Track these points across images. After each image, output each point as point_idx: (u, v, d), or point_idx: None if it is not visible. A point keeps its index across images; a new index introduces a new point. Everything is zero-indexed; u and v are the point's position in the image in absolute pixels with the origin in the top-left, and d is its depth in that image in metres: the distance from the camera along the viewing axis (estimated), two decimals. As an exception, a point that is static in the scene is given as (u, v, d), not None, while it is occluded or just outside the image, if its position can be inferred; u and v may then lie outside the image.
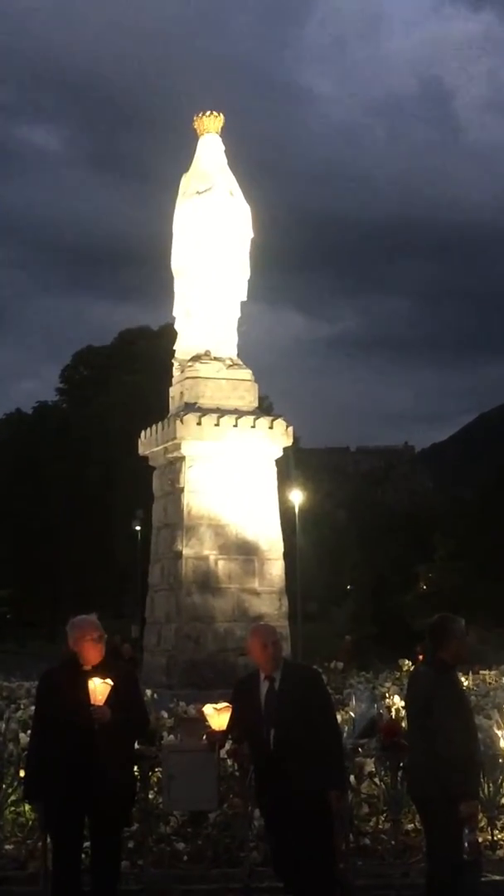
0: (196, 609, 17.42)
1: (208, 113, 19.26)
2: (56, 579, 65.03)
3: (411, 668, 17.83)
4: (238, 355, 18.95)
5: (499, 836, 10.19)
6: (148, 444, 19.22)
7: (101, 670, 7.79)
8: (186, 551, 17.59)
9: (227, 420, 17.91)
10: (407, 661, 20.17)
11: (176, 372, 19.15)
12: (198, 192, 18.76)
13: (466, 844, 7.20)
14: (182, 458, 17.97)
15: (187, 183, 19.07)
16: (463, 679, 8.61)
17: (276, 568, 18.11)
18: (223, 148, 19.27)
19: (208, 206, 18.58)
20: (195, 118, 19.31)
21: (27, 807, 9.68)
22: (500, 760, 10.29)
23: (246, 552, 17.85)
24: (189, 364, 18.61)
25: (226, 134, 19.43)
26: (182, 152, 20.25)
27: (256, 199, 19.63)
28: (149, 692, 14.53)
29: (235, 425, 17.93)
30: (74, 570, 62.98)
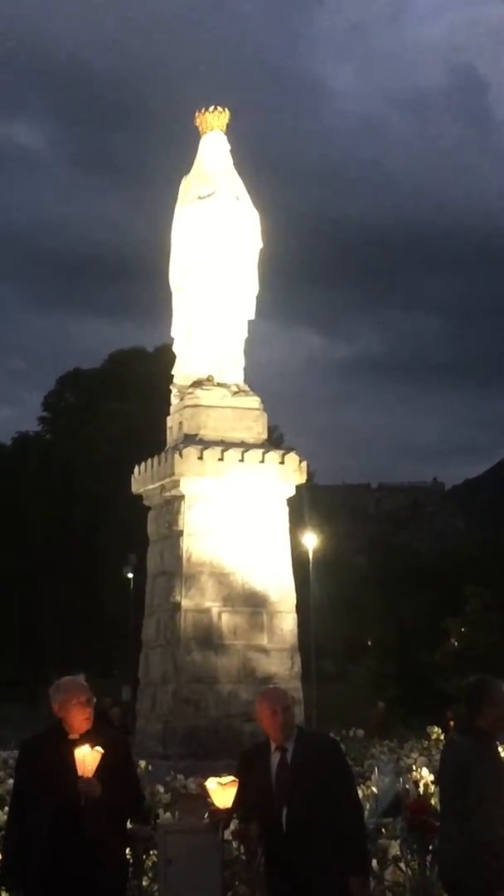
0: (196, 668, 17.39)
1: (212, 108, 19.43)
2: (37, 633, 64.84)
3: (442, 737, 17.76)
4: (245, 380, 19.02)
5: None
6: (142, 480, 19.24)
7: (89, 738, 7.77)
8: (185, 603, 17.57)
9: (233, 454, 17.94)
10: (437, 729, 20.10)
11: (174, 399, 19.20)
12: (200, 197, 18.88)
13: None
14: (181, 497, 17.98)
15: (188, 186, 19.19)
16: (502, 750, 8.56)
17: (287, 622, 18.08)
18: (228, 147, 19.41)
19: (211, 213, 18.69)
20: (197, 114, 19.47)
21: None
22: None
23: (253, 604, 17.82)
24: (189, 391, 18.66)
25: (231, 132, 19.61)
26: (182, 152, 20.45)
27: (265, 205, 19.79)
28: (142, 763, 14.47)
29: (241, 460, 17.96)
30: (58, 623, 62.81)
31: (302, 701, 18.16)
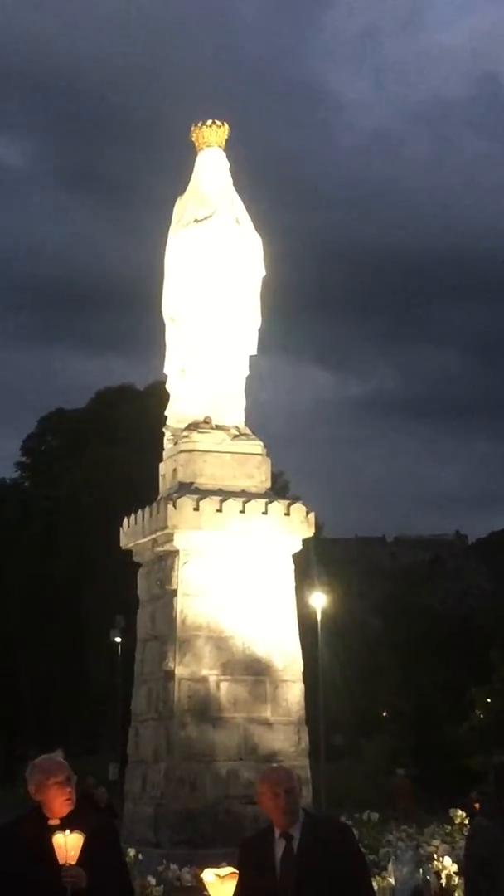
0: (192, 745, 17.31)
1: (209, 122, 19.54)
2: (13, 704, 64.60)
3: (467, 822, 17.65)
4: (246, 423, 19.04)
5: None
6: (132, 534, 19.23)
7: (71, 823, 7.72)
8: (180, 670, 17.52)
9: (232, 504, 17.93)
10: (460, 812, 19.95)
11: (168, 443, 19.22)
12: (196, 220, 18.98)
13: None
14: (175, 553, 17.97)
15: (183, 208, 19.29)
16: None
17: (293, 692, 18.03)
18: (228, 165, 19.53)
19: (209, 237, 18.78)
20: (193, 128, 19.60)
21: None
22: None
23: (255, 672, 17.77)
24: (184, 434, 18.68)
25: (231, 148, 19.73)
26: (177, 170, 20.54)
27: (269, 228, 19.87)
28: (132, 851, 14.39)
29: (242, 511, 17.95)
30: (37, 693, 62.58)
31: (310, 780, 18.05)
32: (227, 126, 19.62)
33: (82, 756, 49.28)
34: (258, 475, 18.74)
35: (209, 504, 17.86)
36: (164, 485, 19.07)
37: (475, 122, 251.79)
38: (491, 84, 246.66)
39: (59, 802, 7.77)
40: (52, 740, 51.26)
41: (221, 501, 17.93)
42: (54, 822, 7.74)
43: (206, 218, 18.94)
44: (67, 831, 7.61)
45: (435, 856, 15.07)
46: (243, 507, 17.99)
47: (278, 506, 18.30)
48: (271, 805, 7.81)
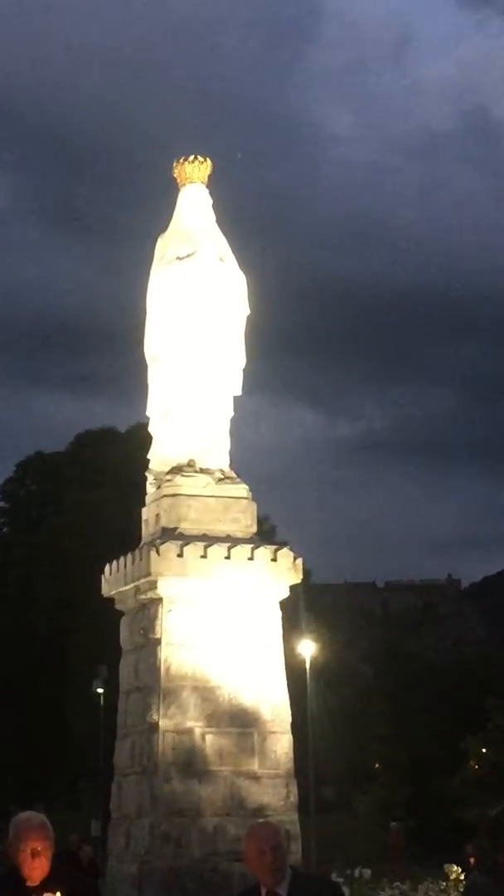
0: (177, 799, 17.23)
1: (192, 158, 19.63)
2: (-8, 758, 64.25)
3: (462, 877, 17.58)
4: (231, 465, 19.04)
5: None
6: (114, 581, 19.19)
7: (50, 884, 7.67)
8: (164, 722, 17.45)
9: (217, 550, 17.91)
10: (455, 867, 19.90)
11: (150, 487, 19.21)
12: (178, 258, 19.04)
13: None
14: (158, 601, 17.92)
15: (165, 246, 19.36)
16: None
17: (281, 744, 17.95)
18: (211, 202, 19.62)
19: (192, 275, 18.84)
20: (175, 164, 19.69)
21: None
22: None
23: (242, 723, 17.71)
24: (167, 477, 18.68)
25: (215, 184, 19.81)
26: (159, 207, 20.64)
27: (254, 266, 19.94)
28: (115, 912, 14.30)
29: (228, 557, 17.93)
30: (16, 746, 62.25)
31: (299, 836, 17.95)
32: (209, 162, 19.71)
33: (64, 811, 49.05)
34: (244, 520, 18.72)
35: (193, 550, 17.83)
36: (147, 530, 19.04)
37: (465, 156, 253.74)
38: (480, 117, 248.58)
39: (33, 869, 7.72)
40: (32, 795, 51.03)
41: (206, 547, 17.90)
42: (32, 884, 7.69)
43: (188, 255, 19.00)
44: (46, 895, 7.57)
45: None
46: (229, 552, 17.96)
47: (265, 551, 18.28)
48: (257, 862, 7.78)
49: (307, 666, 44.89)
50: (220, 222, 19.58)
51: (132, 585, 18.52)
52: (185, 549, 17.82)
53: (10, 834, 7.90)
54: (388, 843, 35.98)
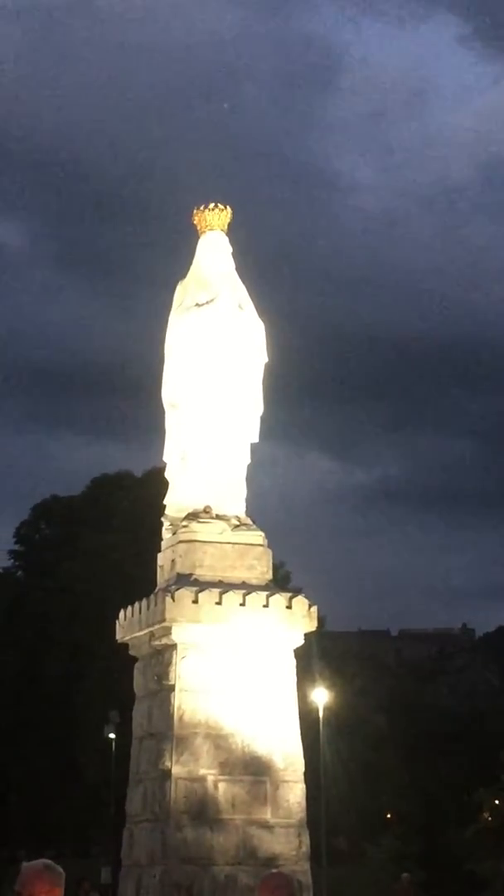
0: (189, 847, 17.14)
1: (212, 206, 19.74)
2: (4, 804, 64.04)
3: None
4: (247, 512, 19.04)
5: None
6: (128, 627, 19.17)
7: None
8: (177, 770, 17.38)
9: (232, 597, 17.89)
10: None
11: (166, 533, 19.21)
12: (197, 305, 19.11)
13: None
14: (173, 647, 17.89)
15: (184, 293, 19.44)
16: None
17: (294, 792, 17.87)
18: (230, 249, 19.70)
19: (210, 322, 18.90)
20: (195, 212, 19.80)
21: None
22: None
23: (255, 772, 17.63)
24: (183, 524, 18.68)
25: (234, 231, 19.91)
26: (178, 254, 20.74)
27: (273, 314, 20.00)
28: None
29: (243, 604, 17.90)
30: (28, 792, 62.04)
31: (311, 886, 17.85)
32: (229, 210, 19.81)
33: (74, 860, 48.80)
34: (259, 566, 18.70)
35: (209, 596, 17.81)
36: (163, 576, 19.03)
37: (483, 206, 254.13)
38: (498, 166, 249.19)
39: None
40: (42, 842, 50.80)
41: (221, 594, 17.88)
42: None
43: (207, 302, 19.07)
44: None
45: None
46: (244, 599, 17.94)
47: (280, 599, 18.25)
48: (271, 912, 7.74)
49: (320, 714, 44.73)
50: (239, 269, 19.66)
51: (147, 631, 18.49)
52: (201, 595, 17.80)
53: (20, 879, 7.89)
54: (397, 893, 35.70)
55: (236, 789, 17.51)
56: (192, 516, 18.64)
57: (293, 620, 18.26)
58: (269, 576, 18.90)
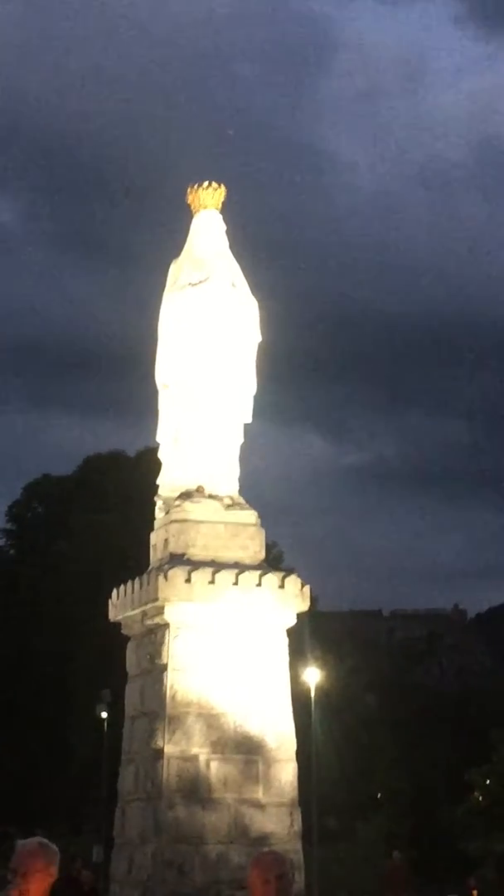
0: (180, 826, 17.17)
1: (206, 184, 19.69)
2: (-6, 782, 64.08)
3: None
4: (240, 492, 19.04)
5: None
6: (121, 606, 19.18)
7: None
8: (169, 749, 17.41)
9: (225, 576, 17.90)
10: (459, 899, 19.81)
11: (159, 513, 19.21)
12: (191, 284, 19.07)
13: None
14: (165, 626, 17.90)
15: (178, 272, 19.40)
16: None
17: (286, 772, 17.91)
18: (224, 228, 19.66)
19: (204, 301, 18.87)
20: (189, 190, 19.75)
21: None
22: None
23: (247, 751, 17.66)
24: (176, 503, 18.68)
25: (228, 210, 19.87)
26: (172, 233, 20.69)
27: (266, 293, 19.96)
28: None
29: (235, 583, 17.91)
30: (18, 771, 62.10)
31: (302, 865, 17.89)
32: (223, 188, 19.77)
33: (65, 837, 48.84)
34: (252, 546, 18.71)
35: (201, 576, 17.82)
36: (155, 555, 19.04)
37: (477, 185, 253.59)
38: (492, 146, 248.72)
39: (38, 891, 7.70)
40: (33, 819, 50.86)
41: (214, 573, 17.89)
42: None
43: (201, 282, 19.03)
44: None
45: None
46: (237, 579, 17.95)
47: (273, 578, 18.26)
48: (261, 892, 7.74)
49: (312, 695, 44.73)
50: (232, 248, 19.63)
51: (139, 610, 18.51)
52: (193, 574, 17.81)
53: (12, 858, 7.90)
54: (389, 872, 35.80)
55: (228, 768, 17.54)
56: (185, 496, 18.64)
57: (286, 600, 18.27)
58: (262, 556, 18.91)
